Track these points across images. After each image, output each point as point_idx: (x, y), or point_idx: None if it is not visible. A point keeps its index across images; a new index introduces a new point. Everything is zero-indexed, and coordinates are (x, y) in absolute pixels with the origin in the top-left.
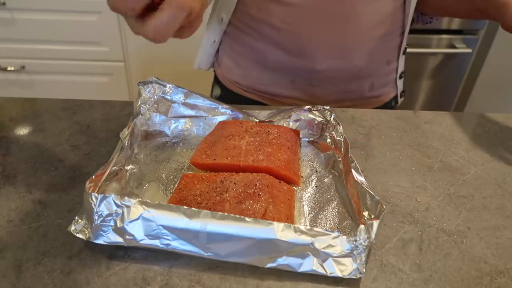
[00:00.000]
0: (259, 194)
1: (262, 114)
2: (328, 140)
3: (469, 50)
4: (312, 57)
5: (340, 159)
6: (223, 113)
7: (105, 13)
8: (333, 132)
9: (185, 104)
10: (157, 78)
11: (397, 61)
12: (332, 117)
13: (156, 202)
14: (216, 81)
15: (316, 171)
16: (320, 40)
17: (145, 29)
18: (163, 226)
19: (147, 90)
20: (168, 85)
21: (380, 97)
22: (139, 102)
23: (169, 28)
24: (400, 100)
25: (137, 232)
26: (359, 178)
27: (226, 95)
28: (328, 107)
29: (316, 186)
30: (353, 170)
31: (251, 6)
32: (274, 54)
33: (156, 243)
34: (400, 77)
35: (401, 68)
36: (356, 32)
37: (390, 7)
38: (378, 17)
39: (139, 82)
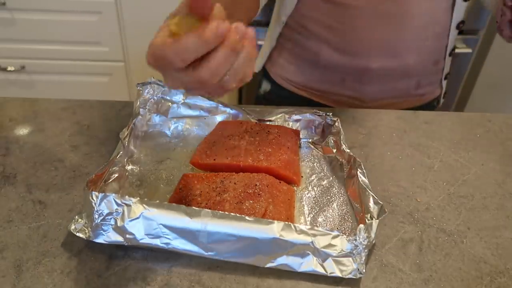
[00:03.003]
0: (259, 194)
1: (262, 113)
2: (331, 143)
3: (469, 50)
4: (364, 56)
5: (343, 161)
6: (223, 111)
7: (105, 13)
8: (336, 137)
9: (184, 104)
10: (155, 79)
11: (444, 61)
12: (337, 121)
13: (157, 201)
14: (266, 76)
15: (317, 171)
16: (372, 40)
17: (199, 73)
18: (163, 225)
19: (146, 91)
20: (167, 86)
21: (425, 96)
22: (138, 103)
23: (224, 66)
24: (442, 100)
25: (138, 231)
26: (365, 181)
27: (276, 90)
28: (330, 113)
29: (316, 187)
30: (359, 174)
31: (307, 7)
32: (326, 52)
33: (156, 242)
34: (445, 78)
35: (447, 69)
36: (408, 31)
37: (441, 7)
38: (430, 17)
39: (138, 84)
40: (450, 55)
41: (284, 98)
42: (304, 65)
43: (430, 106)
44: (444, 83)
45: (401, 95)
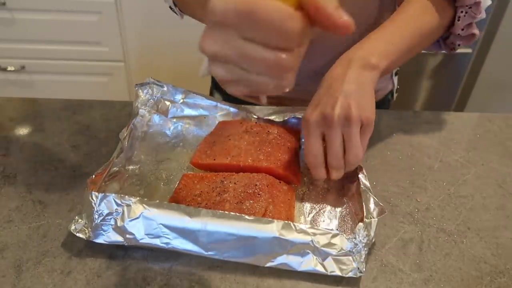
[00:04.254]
0: (259, 194)
1: (262, 111)
2: None
3: (469, 50)
4: (308, 58)
5: None
6: (223, 110)
7: (105, 13)
8: None
9: (184, 104)
10: (154, 79)
11: None
12: None
13: (157, 201)
14: (216, 87)
15: None
16: (314, 40)
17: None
18: (163, 225)
19: (145, 91)
20: (166, 86)
21: (378, 92)
22: (137, 104)
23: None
24: (395, 95)
25: (138, 231)
26: (366, 184)
27: (228, 101)
28: None
29: (316, 187)
30: (360, 176)
31: None
32: None
33: (156, 242)
34: (396, 74)
35: None
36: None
37: (381, 6)
38: (373, 17)
39: (136, 84)
40: None
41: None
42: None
43: (385, 100)
44: (395, 78)
45: None
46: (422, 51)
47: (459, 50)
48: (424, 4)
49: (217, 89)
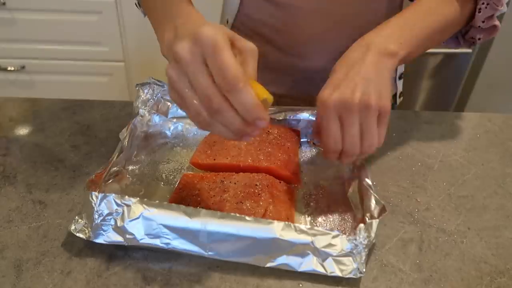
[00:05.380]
0: (259, 194)
1: None
2: None
3: (469, 50)
4: (309, 58)
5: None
6: None
7: (105, 13)
8: None
9: None
10: (154, 79)
11: None
12: None
13: (157, 201)
14: None
15: (317, 171)
16: (315, 41)
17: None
18: (163, 225)
19: (146, 91)
20: (166, 86)
21: None
22: (137, 104)
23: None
24: (398, 100)
25: (138, 231)
26: (368, 183)
27: None
28: None
29: (316, 186)
30: (362, 175)
31: (251, 8)
32: (274, 54)
33: (156, 242)
34: (400, 78)
35: (400, 69)
36: (349, 31)
37: (386, 8)
38: (375, 17)
39: (137, 84)
40: None
41: None
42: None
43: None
44: (400, 82)
45: None
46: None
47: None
48: None
49: None
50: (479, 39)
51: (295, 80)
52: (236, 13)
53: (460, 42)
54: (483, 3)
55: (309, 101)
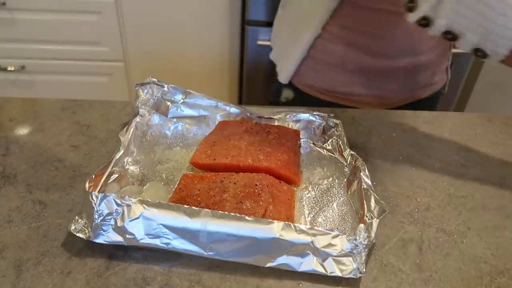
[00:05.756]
0: (259, 194)
1: (262, 111)
2: (332, 144)
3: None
4: (392, 57)
5: (344, 162)
6: (223, 110)
7: (105, 13)
8: (337, 138)
9: (184, 104)
10: (154, 79)
11: (450, 50)
12: (339, 124)
13: (157, 201)
14: (287, 85)
15: (317, 171)
16: (403, 42)
17: None
18: (163, 225)
19: (145, 91)
20: (166, 86)
21: (437, 84)
22: (137, 104)
23: None
24: (446, 88)
25: (138, 231)
26: (368, 183)
27: (299, 97)
28: (331, 115)
29: (316, 186)
30: (362, 175)
31: (343, 16)
32: (355, 56)
33: (156, 242)
34: (451, 66)
35: (450, 58)
36: None
37: None
38: None
39: (137, 84)
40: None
41: (308, 104)
42: (330, 70)
43: (439, 93)
44: (449, 71)
45: (419, 87)
46: None
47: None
48: None
49: (288, 87)
50: None
51: (372, 79)
52: (324, 25)
53: None
54: None
55: (382, 97)
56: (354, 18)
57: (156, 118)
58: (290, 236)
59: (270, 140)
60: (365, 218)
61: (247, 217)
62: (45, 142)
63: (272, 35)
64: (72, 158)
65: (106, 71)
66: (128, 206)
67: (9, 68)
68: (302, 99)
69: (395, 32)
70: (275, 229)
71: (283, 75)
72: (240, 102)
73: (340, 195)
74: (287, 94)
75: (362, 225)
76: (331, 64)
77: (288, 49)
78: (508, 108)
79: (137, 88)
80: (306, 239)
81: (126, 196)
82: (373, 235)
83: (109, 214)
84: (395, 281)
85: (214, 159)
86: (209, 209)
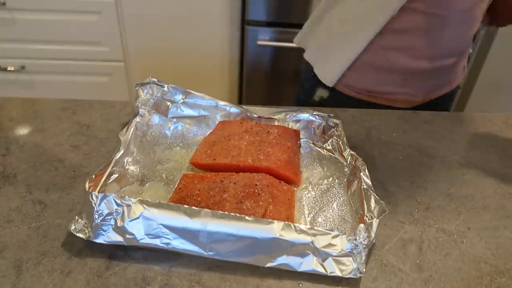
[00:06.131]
0: (259, 194)
1: (262, 111)
2: (332, 144)
3: (469, 50)
4: (434, 59)
5: (344, 162)
6: (223, 110)
7: (105, 13)
8: (337, 138)
9: (184, 104)
10: (154, 79)
11: (469, 47)
12: (339, 124)
13: (157, 201)
14: (322, 84)
15: (317, 171)
16: (449, 45)
17: None
18: (163, 225)
19: (145, 91)
20: (166, 86)
21: (460, 78)
22: (137, 104)
23: None
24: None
25: (138, 231)
26: (368, 183)
27: (334, 96)
28: (331, 115)
29: (316, 186)
30: (362, 175)
31: (397, 20)
32: (400, 58)
33: (156, 242)
34: (468, 61)
35: (468, 55)
36: (471, 32)
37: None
38: (481, 14)
39: (137, 84)
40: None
41: (344, 103)
42: (368, 70)
43: (457, 88)
44: (466, 67)
45: (446, 83)
46: None
47: None
48: None
49: (324, 87)
50: None
51: (408, 78)
52: (381, 30)
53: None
54: None
55: (415, 95)
56: (408, 22)
57: (156, 118)
58: (290, 236)
59: (270, 140)
60: (365, 218)
61: (247, 217)
62: (45, 142)
63: (304, 34)
64: (72, 158)
65: (106, 71)
66: (128, 206)
67: (9, 68)
68: (337, 98)
69: (442, 34)
70: (275, 229)
71: (329, 77)
72: (240, 102)
73: (340, 195)
74: (321, 93)
75: (362, 225)
76: (374, 66)
77: (336, 52)
78: (508, 108)
79: (137, 88)
80: (306, 239)
81: (126, 196)
82: (373, 235)
83: (109, 214)
84: (395, 281)
85: (214, 159)
86: (209, 209)
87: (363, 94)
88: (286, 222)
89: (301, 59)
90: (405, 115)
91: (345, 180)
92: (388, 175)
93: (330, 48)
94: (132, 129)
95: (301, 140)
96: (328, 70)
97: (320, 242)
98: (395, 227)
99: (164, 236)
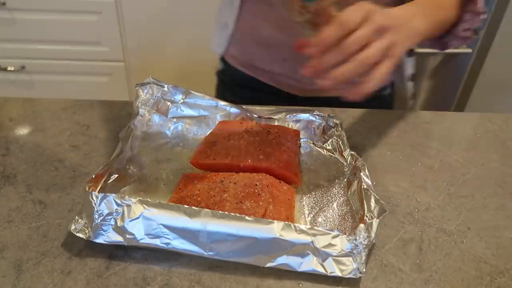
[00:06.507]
0: (259, 194)
1: (262, 111)
2: (332, 144)
3: (469, 50)
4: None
5: (344, 162)
6: (223, 110)
7: (105, 13)
8: (337, 138)
9: (184, 104)
10: (154, 79)
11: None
12: (339, 124)
13: (157, 201)
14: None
15: (317, 171)
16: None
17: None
18: (163, 225)
19: (145, 91)
20: (166, 86)
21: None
22: (137, 104)
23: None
24: (411, 102)
25: (138, 231)
26: (368, 183)
27: (227, 69)
28: (332, 115)
29: (316, 187)
30: (362, 175)
31: (251, 12)
32: (268, 30)
33: (156, 242)
34: (412, 79)
35: (409, 70)
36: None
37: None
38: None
39: (137, 84)
40: (409, 55)
41: (234, 77)
42: (248, 42)
43: (382, 99)
44: (409, 84)
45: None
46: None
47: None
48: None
49: (221, 59)
50: (452, 45)
51: (287, 58)
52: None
53: (432, 44)
54: (468, 16)
55: (298, 80)
56: (258, 12)
57: (156, 118)
58: (290, 236)
59: (270, 140)
60: (365, 218)
61: (247, 217)
62: (45, 142)
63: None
64: (72, 158)
65: (106, 71)
66: (128, 206)
67: (9, 68)
68: (229, 71)
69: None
70: (275, 229)
71: (214, 45)
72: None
73: (340, 195)
74: (219, 65)
75: (362, 225)
76: (249, 37)
77: (218, 19)
78: (508, 108)
79: (137, 88)
80: (306, 239)
81: (126, 196)
82: (373, 235)
83: (109, 214)
84: (395, 281)
85: (214, 159)
86: (209, 209)
87: (248, 68)
88: (286, 222)
89: None
90: (405, 115)
91: (345, 180)
92: (388, 175)
93: (217, 17)
94: (132, 129)
95: (301, 140)
96: (214, 39)
97: (320, 242)
98: (395, 227)
99: (164, 236)
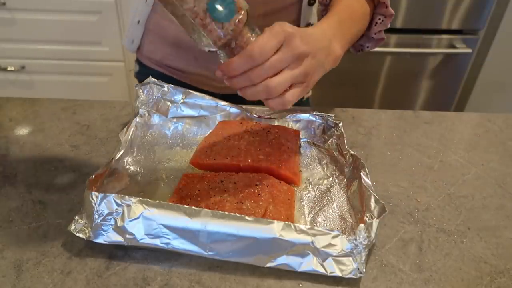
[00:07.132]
0: (259, 194)
1: (262, 111)
2: (332, 144)
3: (469, 50)
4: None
5: (344, 162)
6: (223, 110)
7: (105, 13)
8: (337, 138)
9: (184, 104)
10: (154, 79)
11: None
12: (340, 124)
13: (157, 201)
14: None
15: (317, 171)
16: None
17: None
18: (163, 225)
19: (145, 91)
20: (166, 86)
21: None
22: (137, 104)
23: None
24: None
25: (138, 231)
26: (368, 183)
27: (143, 70)
28: (332, 115)
29: (316, 186)
30: (362, 175)
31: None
32: (175, 30)
33: (156, 242)
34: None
35: None
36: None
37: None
38: (273, 6)
39: (137, 84)
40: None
41: (152, 76)
42: (160, 42)
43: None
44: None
45: None
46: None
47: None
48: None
49: (136, 60)
50: (367, 47)
51: (198, 57)
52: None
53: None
54: (379, 18)
55: (213, 79)
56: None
57: (156, 118)
58: (290, 236)
59: (270, 140)
60: (365, 218)
61: (247, 217)
62: (45, 142)
63: None
64: (72, 158)
65: (106, 71)
66: (128, 206)
67: (9, 68)
68: (146, 72)
69: None
70: (275, 229)
71: (125, 43)
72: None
73: (340, 195)
74: (135, 67)
75: (362, 225)
76: (159, 35)
77: (133, 16)
78: (508, 108)
79: (137, 88)
80: (306, 239)
81: (126, 196)
82: (373, 235)
83: (109, 214)
84: (395, 281)
85: (214, 159)
86: (209, 209)
87: (162, 67)
88: (286, 222)
89: None
90: (405, 115)
91: (345, 180)
92: (388, 175)
93: (130, 14)
94: (132, 129)
95: (301, 140)
96: (124, 37)
97: (320, 242)
98: (395, 227)
99: (164, 236)
